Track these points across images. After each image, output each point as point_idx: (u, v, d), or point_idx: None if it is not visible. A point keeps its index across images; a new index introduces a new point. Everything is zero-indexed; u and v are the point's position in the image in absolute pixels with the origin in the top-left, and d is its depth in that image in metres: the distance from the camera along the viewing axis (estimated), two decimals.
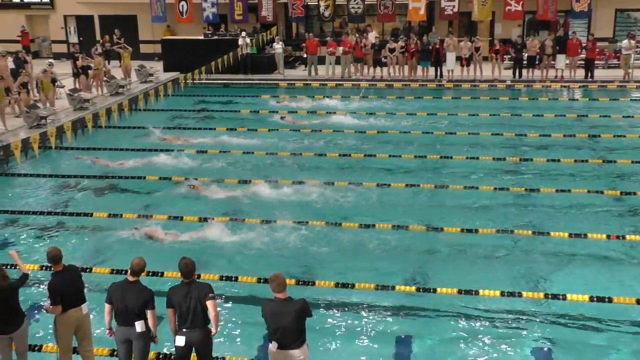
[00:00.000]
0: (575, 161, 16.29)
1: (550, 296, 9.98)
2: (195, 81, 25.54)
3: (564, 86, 25.16)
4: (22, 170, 16.43)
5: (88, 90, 23.78)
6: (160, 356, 8.41)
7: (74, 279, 7.79)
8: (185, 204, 14.13)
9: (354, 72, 26.95)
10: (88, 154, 17.72)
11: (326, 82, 26.36)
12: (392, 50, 26.10)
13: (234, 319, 9.57)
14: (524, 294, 10.04)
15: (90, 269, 10.63)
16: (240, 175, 15.76)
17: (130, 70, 26.73)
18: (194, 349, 7.46)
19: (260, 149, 17.73)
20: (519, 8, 27.46)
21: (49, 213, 13.64)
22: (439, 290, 10.15)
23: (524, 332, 9.26)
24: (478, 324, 9.50)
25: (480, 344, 8.99)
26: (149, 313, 7.45)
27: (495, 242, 12.04)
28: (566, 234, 12.03)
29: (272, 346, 7.12)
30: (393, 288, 10.22)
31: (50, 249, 7.86)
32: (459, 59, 25.88)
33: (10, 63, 23.55)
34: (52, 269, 7.82)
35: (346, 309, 9.93)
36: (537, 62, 25.68)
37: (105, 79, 24.91)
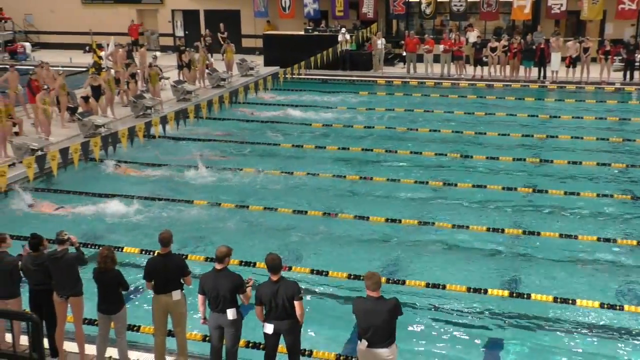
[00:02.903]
0: None
1: None
2: (294, 76, 25.84)
3: None
4: (127, 157, 17.14)
5: (192, 82, 24.56)
6: (250, 344, 8.59)
7: (170, 267, 8.00)
8: (280, 196, 14.35)
9: (454, 71, 26.49)
10: (188, 144, 18.32)
11: (424, 81, 26.06)
12: (493, 50, 25.49)
13: (321, 314, 9.65)
14: (626, 307, 9.61)
15: (186, 256, 10.97)
16: (336, 171, 15.86)
17: (233, 64, 27.37)
18: (282, 337, 7.59)
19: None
20: (633, 7, 26.18)
21: (152, 199, 14.17)
22: (533, 296, 9.87)
23: (622, 348, 8.87)
24: (571, 334, 9.17)
25: (571, 355, 8.68)
26: (241, 297, 7.64)
27: (595, 250, 11.57)
28: None
29: (362, 344, 7.11)
30: (485, 291, 10.03)
31: (163, 231, 8.19)
32: (564, 59, 24.96)
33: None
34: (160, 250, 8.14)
35: (436, 309, 9.82)
36: None
37: (207, 71, 25.62)
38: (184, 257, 9.76)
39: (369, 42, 28.38)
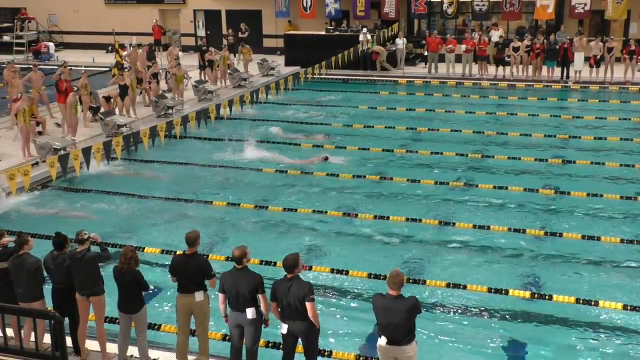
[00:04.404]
0: None
1: None
2: (315, 76, 25.87)
3: None
4: (148, 157, 17.27)
5: (213, 82, 24.68)
6: (270, 344, 8.61)
7: (194, 268, 8.01)
8: (301, 196, 14.39)
9: (476, 71, 26.33)
10: (210, 144, 18.43)
11: (446, 81, 25.95)
12: (516, 49, 25.29)
13: (342, 313, 9.65)
14: None
15: (207, 256, 11.02)
16: (354, 171, 15.86)
17: (247, 64, 27.38)
18: (299, 338, 7.60)
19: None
20: None
21: (172, 199, 14.27)
22: (555, 297, 9.79)
23: None
24: (593, 335, 9.10)
25: (593, 357, 8.61)
26: (260, 297, 7.65)
27: (618, 251, 11.45)
28: None
29: (382, 341, 7.12)
30: (506, 292, 9.97)
31: (190, 231, 8.23)
32: (587, 59, 24.69)
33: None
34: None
35: (457, 310, 9.79)
36: None
37: (229, 71, 25.73)
38: (206, 257, 9.78)
39: (372, 52, 28.00)
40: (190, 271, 8.00)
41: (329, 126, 20.04)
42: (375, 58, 27.78)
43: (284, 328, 7.53)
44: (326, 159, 16.56)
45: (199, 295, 8.04)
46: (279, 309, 7.53)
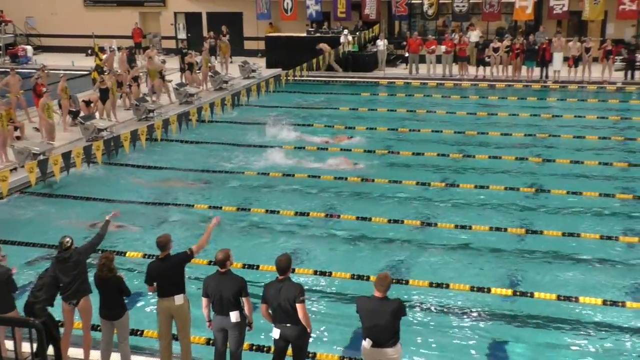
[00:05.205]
0: None
1: None
2: (296, 78, 25.87)
3: None
4: (129, 160, 17.17)
5: (194, 85, 24.60)
6: (255, 347, 8.60)
7: (171, 270, 7.97)
8: (283, 198, 14.40)
9: (456, 72, 26.48)
10: (193, 147, 18.37)
11: (427, 81, 26.07)
12: (496, 50, 25.47)
13: (325, 315, 9.66)
14: (628, 304, 9.62)
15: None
16: (336, 173, 15.88)
17: (227, 62, 27.38)
18: (290, 343, 7.58)
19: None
20: (634, 7, 26.14)
21: (154, 204, 14.20)
22: (536, 295, 9.88)
23: (627, 347, 8.87)
24: (577, 332, 9.18)
25: (577, 354, 8.69)
26: (244, 300, 7.63)
27: (598, 248, 11.58)
28: None
29: (366, 343, 7.13)
30: (489, 290, 10.04)
31: (160, 235, 8.20)
32: (566, 59, 24.94)
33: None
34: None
35: (440, 309, 9.83)
36: None
37: (210, 74, 25.66)
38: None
39: (320, 50, 27.86)
40: (166, 274, 7.95)
41: (310, 127, 20.04)
42: (324, 54, 27.75)
43: (276, 333, 7.49)
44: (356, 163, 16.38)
45: (178, 299, 7.99)
46: (270, 312, 7.51)
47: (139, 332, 9.03)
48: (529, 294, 9.95)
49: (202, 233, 12.28)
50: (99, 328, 8.40)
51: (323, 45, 27.91)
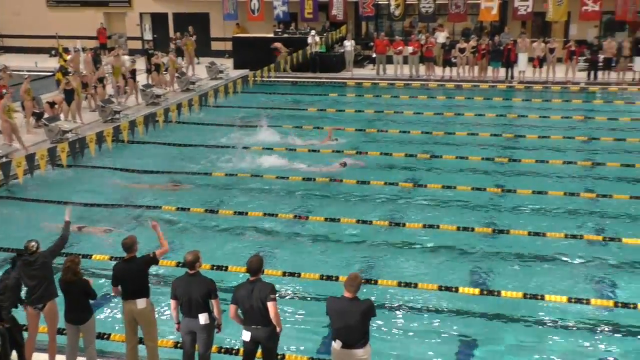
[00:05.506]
0: None
1: (620, 304, 9.69)
2: (264, 78, 25.80)
3: None
4: (95, 162, 16.95)
5: (162, 86, 24.38)
6: (223, 349, 8.55)
7: (135, 273, 7.90)
8: (251, 199, 14.34)
9: (423, 72, 26.66)
10: (161, 149, 18.20)
11: (394, 82, 26.20)
12: (462, 50, 25.72)
13: (295, 316, 9.64)
14: (592, 301, 9.78)
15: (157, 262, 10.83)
16: (304, 174, 15.87)
17: (193, 57, 27.42)
18: (260, 344, 7.54)
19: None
20: (597, 8, 26.61)
21: (120, 206, 14.04)
22: (503, 293, 9.98)
23: (592, 342, 9.01)
24: (543, 329, 9.30)
25: (544, 350, 8.81)
26: (213, 302, 7.59)
27: (563, 246, 11.73)
28: (639, 240, 11.65)
29: (336, 344, 7.12)
30: (457, 290, 10.12)
31: (126, 237, 8.13)
32: (531, 60, 25.30)
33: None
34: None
35: (408, 309, 9.88)
36: (613, 64, 24.84)
37: (176, 75, 25.46)
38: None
39: (275, 50, 28.03)
40: (130, 276, 7.88)
41: (279, 127, 20.00)
42: (278, 55, 27.79)
43: (247, 335, 7.44)
44: (344, 164, 16.15)
45: (140, 303, 7.91)
46: (241, 314, 7.46)
47: (105, 336, 8.92)
48: (496, 293, 10.05)
49: (170, 234, 12.32)
50: (64, 332, 8.27)
51: (278, 45, 27.87)
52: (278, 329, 7.48)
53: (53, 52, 30.79)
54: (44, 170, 15.59)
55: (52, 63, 28.07)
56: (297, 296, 10.33)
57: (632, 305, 9.57)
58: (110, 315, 9.74)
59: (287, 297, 10.17)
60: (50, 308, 8.06)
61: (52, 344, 8.18)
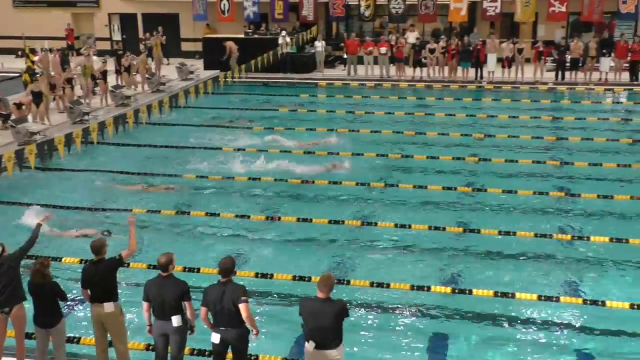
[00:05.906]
0: (618, 165, 15.98)
1: (588, 302, 9.83)
2: (235, 79, 25.70)
3: (608, 89, 24.67)
4: (64, 165, 16.72)
5: (131, 87, 24.16)
6: (195, 351, 8.49)
7: (103, 275, 7.79)
8: (223, 201, 14.28)
9: (394, 73, 26.79)
10: (128, 150, 18.02)
11: (365, 82, 26.29)
12: (432, 51, 25.90)
13: (268, 317, 9.62)
14: (562, 298, 9.92)
15: (128, 264, 10.74)
16: (278, 175, 15.84)
17: (161, 58, 27.35)
18: (230, 346, 7.51)
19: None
20: (563, 9, 27.00)
21: (89, 209, 13.87)
22: (474, 291, 10.07)
23: (562, 340, 9.13)
24: (514, 327, 9.40)
25: (515, 348, 8.90)
26: (186, 304, 7.53)
27: (533, 245, 11.87)
28: (607, 239, 11.83)
29: (309, 345, 7.11)
30: (429, 289, 10.18)
31: (95, 239, 8.04)
32: (500, 60, 25.58)
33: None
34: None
35: (381, 308, 9.91)
36: (580, 65, 25.22)
37: (147, 75, 25.25)
38: (125, 264, 9.52)
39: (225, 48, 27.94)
40: (97, 278, 7.79)
41: (250, 130, 19.94)
42: (230, 54, 27.71)
43: (216, 337, 7.39)
44: (334, 166, 16.13)
45: (108, 307, 7.80)
46: (211, 316, 7.40)
47: (75, 340, 8.81)
48: (467, 291, 10.14)
49: (141, 236, 12.21)
50: (33, 336, 8.15)
51: (229, 43, 27.78)
52: (254, 332, 7.45)
53: (19, 52, 30.29)
54: (11, 173, 15.34)
55: (19, 64, 27.62)
56: (270, 297, 10.30)
57: (600, 303, 9.72)
58: (80, 318, 9.61)
59: (260, 299, 10.13)
60: (17, 312, 7.93)
61: (19, 348, 8.06)
